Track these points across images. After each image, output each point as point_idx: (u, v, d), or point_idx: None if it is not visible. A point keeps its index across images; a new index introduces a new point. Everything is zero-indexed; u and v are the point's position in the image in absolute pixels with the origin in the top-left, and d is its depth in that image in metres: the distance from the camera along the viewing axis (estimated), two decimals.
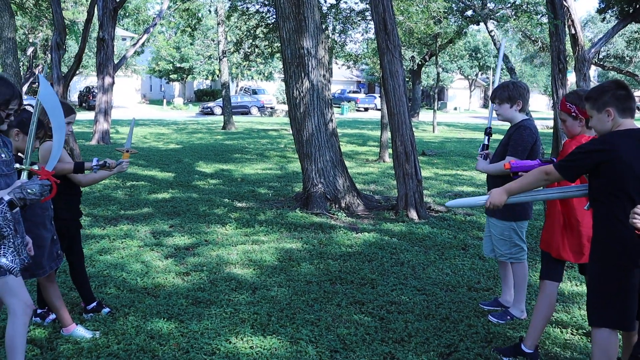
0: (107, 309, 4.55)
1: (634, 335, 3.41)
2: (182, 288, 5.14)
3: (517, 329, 4.39)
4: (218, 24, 25.54)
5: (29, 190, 2.71)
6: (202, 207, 8.68)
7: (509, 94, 4.53)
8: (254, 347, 3.99)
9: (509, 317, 4.55)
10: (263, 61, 24.00)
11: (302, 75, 8.03)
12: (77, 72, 20.18)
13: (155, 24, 20.54)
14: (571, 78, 25.05)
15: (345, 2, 17.96)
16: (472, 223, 7.86)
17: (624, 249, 3.01)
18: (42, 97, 3.15)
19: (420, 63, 26.98)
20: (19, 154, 3.83)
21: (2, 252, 2.84)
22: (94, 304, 4.55)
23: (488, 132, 4.73)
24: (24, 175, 3.02)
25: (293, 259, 6.08)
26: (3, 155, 3.17)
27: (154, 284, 5.24)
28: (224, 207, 8.72)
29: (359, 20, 17.59)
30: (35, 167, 3.11)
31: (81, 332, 4.11)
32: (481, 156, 4.66)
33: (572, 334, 4.31)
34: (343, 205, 8.40)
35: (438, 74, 26.62)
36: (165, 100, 51.91)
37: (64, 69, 15.21)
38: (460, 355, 3.91)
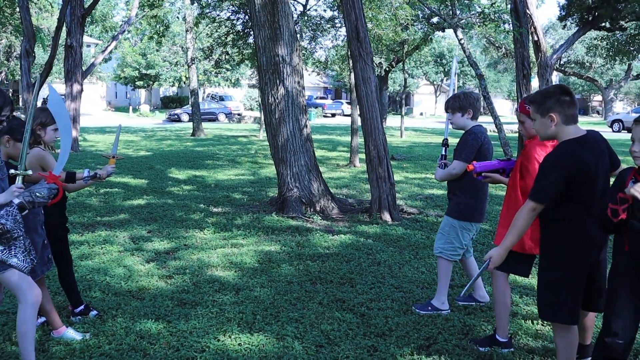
0: (94, 312, 4.65)
1: (586, 318, 3.79)
2: (166, 290, 5.26)
3: (490, 321, 4.62)
4: (186, 30, 25.56)
5: (37, 194, 2.85)
6: (178, 213, 8.77)
7: (460, 103, 4.76)
8: (242, 344, 4.14)
9: (429, 308, 4.79)
10: (230, 68, 24.03)
11: (278, 82, 8.21)
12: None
13: (124, 31, 20.46)
14: (534, 83, 25.68)
15: (315, 10, 18.27)
16: None
17: (573, 246, 3.27)
18: (51, 103, 3.27)
19: (387, 69, 27.37)
20: (10, 160, 3.93)
21: (13, 252, 2.99)
22: (82, 307, 4.64)
23: (445, 142, 4.96)
24: (19, 180, 3.13)
25: (273, 261, 6.24)
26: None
27: (138, 287, 5.34)
28: (200, 212, 8.83)
29: (328, 28, 17.84)
30: (30, 172, 3.22)
31: (71, 334, 4.20)
32: (440, 166, 4.90)
33: (542, 325, 4.56)
34: (318, 208, 8.58)
35: (405, 79, 27.04)
36: (131, 108, 51.48)
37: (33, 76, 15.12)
38: (439, 347, 4.12)
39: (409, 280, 5.66)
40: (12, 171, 3.25)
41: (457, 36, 14.75)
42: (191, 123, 28.92)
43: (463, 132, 4.83)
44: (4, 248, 3.01)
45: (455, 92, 5.12)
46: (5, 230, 2.78)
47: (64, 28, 17.53)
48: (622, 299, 3.09)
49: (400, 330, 4.40)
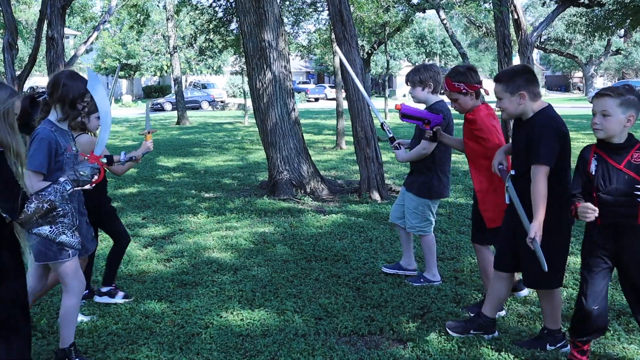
0: (122, 294, 4.76)
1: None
2: (166, 273, 5.41)
3: (481, 290, 4.82)
4: (167, 19, 25.48)
5: (81, 172, 2.96)
6: (170, 199, 8.89)
7: (420, 77, 4.81)
8: (244, 319, 4.30)
9: (422, 280, 5.00)
10: (212, 55, 23.99)
11: (265, 67, 8.33)
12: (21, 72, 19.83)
13: (105, 21, 20.33)
14: (515, 61, 25.87)
15: None
16: None
17: (561, 215, 3.51)
18: (90, 86, 3.39)
19: (369, 52, 27.42)
20: None
21: (61, 229, 3.09)
22: (111, 287, 4.77)
23: (384, 127, 5.04)
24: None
25: (268, 241, 6.40)
26: (74, 149, 3.44)
27: (138, 271, 5.48)
28: (193, 198, 8.96)
29: (311, 12, 17.90)
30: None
31: (79, 317, 4.33)
32: (396, 148, 4.95)
33: (530, 292, 4.77)
34: (308, 190, 8.74)
35: (388, 61, 27.12)
36: (113, 98, 51.12)
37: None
38: (433, 315, 4.31)
39: (400, 255, 5.84)
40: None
41: (439, 16, 14.88)
42: (175, 112, 28.90)
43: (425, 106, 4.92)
44: (51, 227, 3.09)
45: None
46: (53, 207, 2.85)
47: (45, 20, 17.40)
48: (595, 270, 3.30)
49: (395, 301, 4.59)
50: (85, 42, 20.96)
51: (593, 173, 3.21)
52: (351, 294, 4.77)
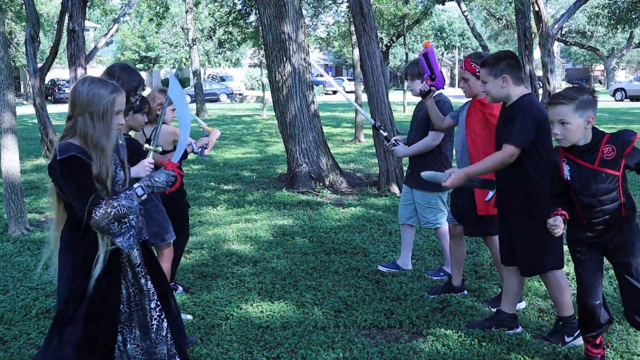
0: (181, 289, 4.78)
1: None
2: (186, 265, 5.44)
3: (501, 284, 4.79)
4: (186, 11, 25.54)
5: (156, 179, 2.86)
6: (190, 191, 8.93)
7: (419, 70, 4.81)
8: (264, 311, 4.32)
9: (442, 274, 5.01)
10: (232, 48, 24.03)
11: (284, 59, 8.32)
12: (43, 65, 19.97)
13: (125, 14, 20.45)
14: (535, 54, 25.65)
15: None
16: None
17: (539, 197, 3.52)
18: (171, 91, 3.34)
19: (387, 44, 27.28)
20: (131, 132, 4.16)
21: (123, 229, 2.76)
22: (171, 284, 4.80)
23: (378, 126, 5.12)
24: (150, 155, 3.24)
25: (287, 234, 6.41)
26: (120, 141, 3.47)
27: None
28: (212, 190, 9.00)
29: (330, 4, 17.84)
30: (160, 149, 3.35)
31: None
32: (392, 146, 5.04)
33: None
34: (327, 183, 8.74)
35: (406, 54, 27.00)
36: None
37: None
38: (453, 309, 4.29)
39: (419, 248, 5.83)
40: (145, 146, 3.40)
41: (460, 8, 14.73)
42: (194, 104, 29.03)
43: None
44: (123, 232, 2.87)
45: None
46: (123, 213, 2.69)
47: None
48: (587, 265, 3.29)
49: (415, 294, 4.58)
50: (105, 35, 21.14)
51: (568, 178, 3.19)
52: (370, 287, 4.77)
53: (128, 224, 2.74)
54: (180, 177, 3.05)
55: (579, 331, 3.66)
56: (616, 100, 33.63)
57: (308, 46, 8.60)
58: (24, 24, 24.90)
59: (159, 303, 2.92)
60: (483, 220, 4.27)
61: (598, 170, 3.09)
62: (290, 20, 8.22)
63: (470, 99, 4.29)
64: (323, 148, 8.89)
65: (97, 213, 2.61)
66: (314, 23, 19.15)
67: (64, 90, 42.05)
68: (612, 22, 25.83)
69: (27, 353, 3.76)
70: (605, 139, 3.10)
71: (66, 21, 17.78)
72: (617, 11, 24.77)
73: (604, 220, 3.17)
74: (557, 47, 57.57)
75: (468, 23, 8.14)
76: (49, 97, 45.88)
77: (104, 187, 2.69)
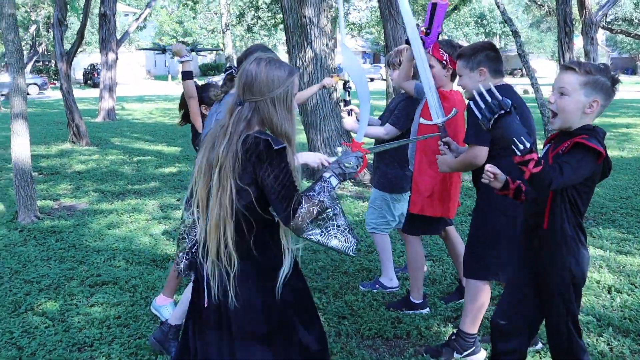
0: None
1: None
2: None
3: None
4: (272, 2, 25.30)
5: (346, 164, 2.52)
6: None
7: (400, 59, 4.30)
8: None
9: (377, 286, 4.51)
10: (267, 33, 23.75)
11: (305, 44, 7.97)
12: (81, 49, 19.99)
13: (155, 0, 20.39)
14: (578, 42, 24.67)
15: None
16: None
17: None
18: (345, 63, 3.04)
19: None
20: None
21: (332, 233, 2.56)
22: None
23: (348, 87, 4.42)
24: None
25: None
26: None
27: (162, 256, 5.28)
28: None
29: None
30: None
31: (167, 311, 3.91)
32: (347, 112, 4.40)
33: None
34: None
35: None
36: (170, 76, 51.77)
37: (67, 46, 15.13)
38: None
39: (439, 248, 5.46)
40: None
41: None
42: None
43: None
44: (322, 231, 2.57)
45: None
46: (323, 208, 2.39)
47: None
48: (511, 281, 2.87)
49: (428, 301, 4.22)
50: (137, 19, 21.11)
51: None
52: (379, 292, 4.43)
53: (327, 219, 2.48)
54: (366, 159, 2.66)
55: (471, 349, 3.40)
56: None
57: (331, 31, 8.22)
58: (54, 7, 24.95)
59: None
60: (413, 218, 3.97)
61: (547, 161, 2.55)
62: (311, 3, 7.85)
63: None
64: (346, 138, 8.53)
65: (300, 212, 2.31)
66: (346, 8, 18.70)
67: None
68: None
69: (5, 355, 3.53)
70: (585, 135, 2.49)
71: (99, 6, 17.73)
72: None
73: (531, 223, 2.69)
74: (602, 35, 55.82)
75: (498, 7, 7.62)
76: (89, 82, 46.48)
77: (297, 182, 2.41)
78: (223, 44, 35.51)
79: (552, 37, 54.27)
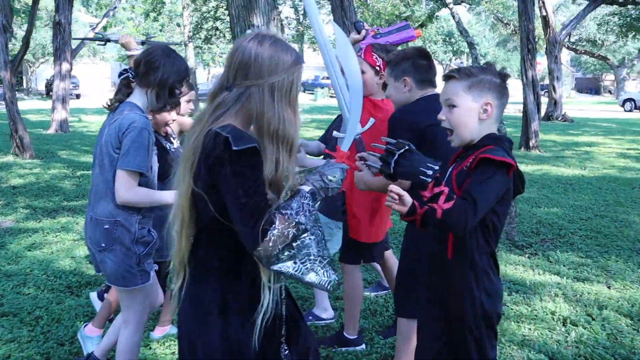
0: None
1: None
2: None
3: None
4: (183, 7, 24.87)
5: (330, 178, 2.01)
6: None
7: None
8: None
9: (310, 318, 4.03)
10: (226, 44, 23.28)
11: None
12: (44, 60, 19.35)
13: (115, 7, 19.83)
14: (544, 62, 24.74)
15: None
16: None
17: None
18: (340, 49, 2.48)
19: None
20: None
21: (309, 265, 1.93)
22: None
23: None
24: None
25: None
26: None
27: (79, 282, 4.75)
28: None
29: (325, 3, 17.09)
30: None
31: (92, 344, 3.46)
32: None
33: (530, 328, 3.94)
34: None
35: None
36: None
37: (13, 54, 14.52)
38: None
39: None
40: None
41: (451, 12, 13.84)
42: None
43: None
44: (295, 262, 1.90)
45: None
46: (301, 232, 1.87)
47: (54, 4, 16.89)
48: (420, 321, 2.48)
49: (364, 336, 3.79)
50: (94, 29, 20.51)
51: None
52: (313, 324, 3.98)
53: (302, 246, 1.90)
54: (351, 170, 2.21)
55: None
56: (625, 111, 32.69)
57: (300, 49, 7.80)
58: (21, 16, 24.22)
59: None
60: (349, 245, 3.54)
61: (452, 180, 2.19)
62: (260, 11, 7.43)
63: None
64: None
65: (272, 234, 1.80)
66: (308, 21, 18.38)
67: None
68: (624, 30, 25.01)
69: None
70: (489, 147, 2.13)
71: (46, 12, 17.09)
72: (629, 19, 23.95)
73: (433, 253, 2.33)
74: (567, 55, 56.68)
75: (454, 17, 7.35)
76: (50, 93, 45.37)
77: (277, 197, 1.91)
78: (186, 56, 34.95)
79: (519, 56, 54.91)
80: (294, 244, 1.89)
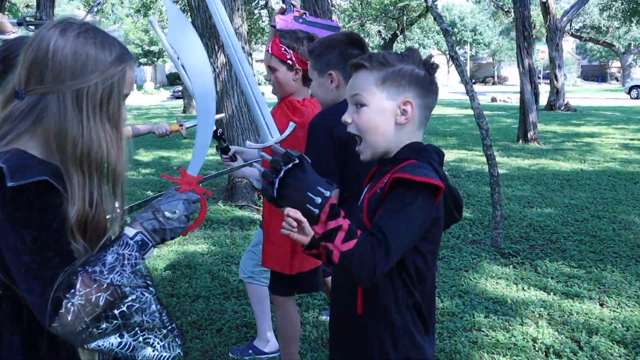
0: None
1: None
2: None
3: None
4: (176, 2, 24.32)
5: (167, 215, 1.43)
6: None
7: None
8: None
9: (250, 352, 3.50)
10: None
11: (216, 48, 6.95)
12: None
13: (100, 3, 19.26)
14: (544, 49, 24.04)
15: None
16: None
17: None
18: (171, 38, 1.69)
19: (385, 38, 25.83)
20: None
21: (142, 337, 1.39)
22: None
23: (220, 134, 3.02)
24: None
25: (192, 266, 5.07)
26: None
27: None
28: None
29: None
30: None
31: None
32: (230, 160, 3.06)
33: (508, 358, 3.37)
34: None
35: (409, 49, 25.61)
36: (135, 85, 50.50)
37: None
38: None
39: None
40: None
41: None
42: (181, 100, 27.93)
43: None
44: (121, 335, 1.37)
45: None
46: (120, 297, 1.32)
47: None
48: None
49: None
50: None
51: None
52: (252, 359, 3.43)
53: (131, 314, 1.37)
54: (205, 200, 1.61)
55: None
56: (632, 98, 31.90)
57: (248, 33, 7.25)
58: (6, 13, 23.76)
59: None
60: (276, 273, 2.92)
61: (363, 204, 1.67)
62: (223, 1, 6.88)
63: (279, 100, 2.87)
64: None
65: (71, 302, 1.27)
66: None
67: None
68: (627, 14, 24.26)
69: None
70: (407, 163, 1.59)
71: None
72: (632, 3, 23.19)
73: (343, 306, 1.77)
74: (573, 43, 55.85)
75: (426, 2, 6.72)
76: None
77: (90, 243, 1.38)
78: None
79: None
80: (116, 312, 1.34)
